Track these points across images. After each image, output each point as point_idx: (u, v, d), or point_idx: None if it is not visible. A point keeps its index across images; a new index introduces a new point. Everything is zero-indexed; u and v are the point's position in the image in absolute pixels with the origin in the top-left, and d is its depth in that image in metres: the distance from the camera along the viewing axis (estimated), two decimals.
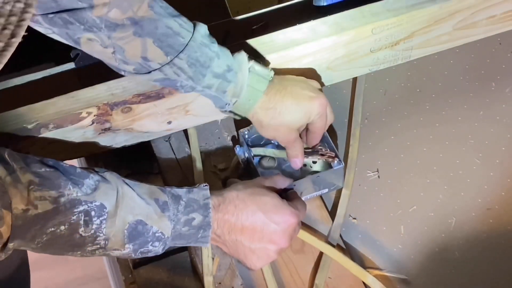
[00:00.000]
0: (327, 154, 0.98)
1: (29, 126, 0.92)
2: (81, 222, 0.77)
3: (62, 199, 0.76)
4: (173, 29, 0.86)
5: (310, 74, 1.03)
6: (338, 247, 0.98)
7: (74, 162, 1.17)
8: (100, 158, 1.03)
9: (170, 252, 0.97)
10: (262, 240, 0.86)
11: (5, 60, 0.53)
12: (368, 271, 0.96)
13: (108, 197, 0.79)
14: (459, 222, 1.00)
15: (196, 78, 0.89)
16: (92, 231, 0.77)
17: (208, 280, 0.94)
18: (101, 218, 0.78)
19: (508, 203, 1.02)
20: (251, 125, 1.00)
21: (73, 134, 0.95)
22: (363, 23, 1.01)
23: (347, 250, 0.99)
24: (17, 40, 0.52)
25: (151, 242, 0.82)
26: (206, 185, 0.86)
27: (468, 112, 1.11)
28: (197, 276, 0.97)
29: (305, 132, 0.99)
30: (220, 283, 0.95)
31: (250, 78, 0.92)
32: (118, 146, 1.01)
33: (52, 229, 0.75)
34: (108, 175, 0.81)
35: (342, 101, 1.13)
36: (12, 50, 0.52)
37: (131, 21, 0.84)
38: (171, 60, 0.87)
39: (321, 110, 0.95)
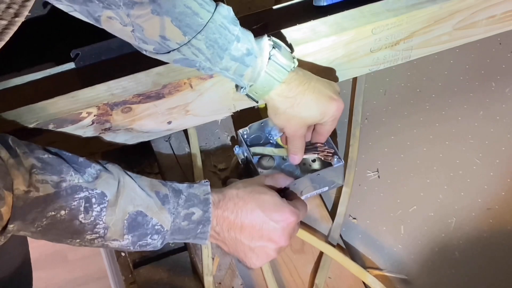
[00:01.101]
0: (326, 151, 0.98)
1: (29, 126, 0.92)
2: (82, 208, 0.77)
3: (64, 184, 0.76)
4: (192, 9, 0.85)
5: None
6: (338, 247, 0.98)
7: None
8: (100, 158, 1.03)
9: (170, 252, 0.97)
10: (261, 238, 0.86)
11: (7, 37, 0.53)
12: (368, 271, 0.96)
13: (109, 186, 0.79)
14: (459, 222, 1.00)
15: (213, 60, 0.89)
16: (92, 218, 0.78)
17: (208, 280, 0.94)
18: (101, 206, 0.78)
19: (508, 203, 1.02)
20: (249, 124, 1.00)
21: (73, 134, 0.95)
22: (363, 23, 1.01)
23: (347, 250, 0.99)
24: (20, 20, 0.52)
25: (150, 235, 0.82)
26: (207, 181, 0.86)
27: (468, 112, 1.11)
28: (197, 276, 0.97)
29: (310, 132, 0.99)
30: (220, 283, 0.95)
31: (269, 66, 0.91)
32: (118, 146, 1.01)
33: (53, 213, 0.76)
34: (110, 166, 0.82)
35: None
36: (14, 29, 0.52)
37: None
38: (189, 41, 0.86)
39: (336, 113, 0.95)
